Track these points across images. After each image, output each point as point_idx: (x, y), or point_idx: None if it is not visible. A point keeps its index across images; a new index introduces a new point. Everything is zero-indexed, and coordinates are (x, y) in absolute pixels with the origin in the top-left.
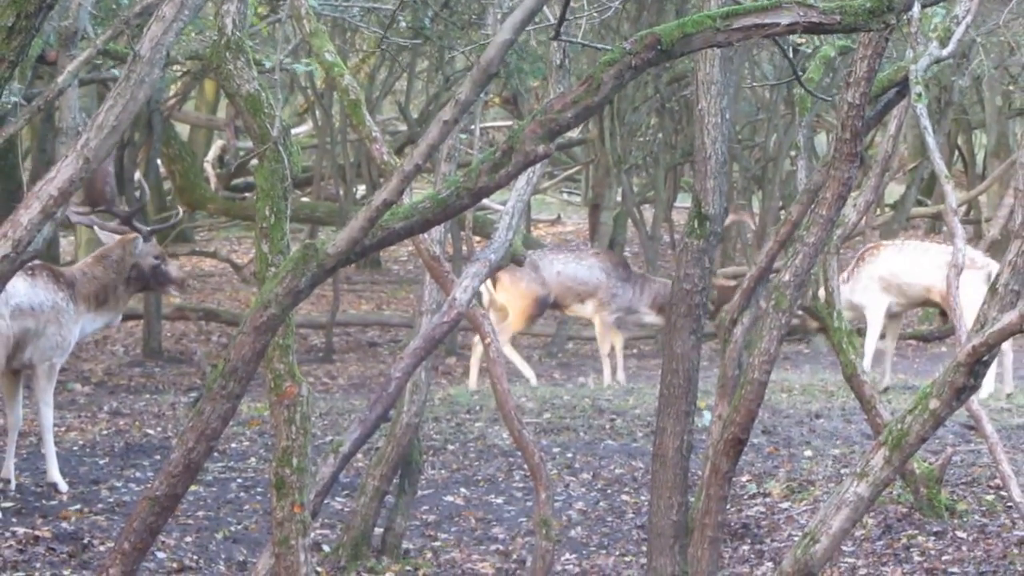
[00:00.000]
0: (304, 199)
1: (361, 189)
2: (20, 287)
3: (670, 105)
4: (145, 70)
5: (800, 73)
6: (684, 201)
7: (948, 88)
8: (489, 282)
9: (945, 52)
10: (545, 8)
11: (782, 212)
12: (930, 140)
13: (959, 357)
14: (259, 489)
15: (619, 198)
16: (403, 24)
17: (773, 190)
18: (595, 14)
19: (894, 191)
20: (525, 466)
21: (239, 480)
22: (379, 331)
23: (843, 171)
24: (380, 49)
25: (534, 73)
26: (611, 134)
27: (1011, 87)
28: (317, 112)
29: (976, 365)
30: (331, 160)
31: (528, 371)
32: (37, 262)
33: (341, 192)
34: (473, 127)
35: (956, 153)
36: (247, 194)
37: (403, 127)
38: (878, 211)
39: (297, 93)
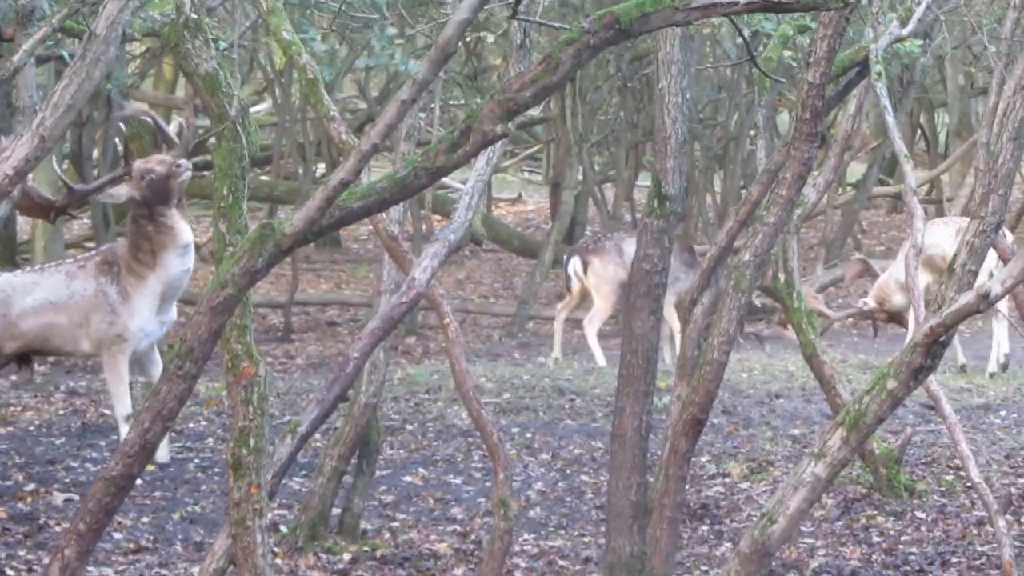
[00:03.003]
0: (263, 178)
1: (321, 168)
2: (44, 282)
3: (632, 84)
4: (101, 48)
5: (756, 53)
6: (645, 180)
7: (910, 66)
8: (579, 266)
9: (905, 31)
10: None
11: (743, 192)
12: (890, 119)
13: (917, 338)
14: (216, 470)
15: (580, 177)
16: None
17: (735, 169)
18: None
19: (856, 170)
20: (484, 446)
21: (196, 461)
22: (338, 310)
23: (803, 151)
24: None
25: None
26: (572, 113)
27: (972, 67)
28: (276, 90)
29: (934, 346)
30: (290, 139)
31: (601, 357)
32: (104, 248)
33: (300, 171)
34: (433, 106)
35: (918, 132)
36: (205, 173)
37: (363, 106)
38: (840, 191)
39: (256, 71)
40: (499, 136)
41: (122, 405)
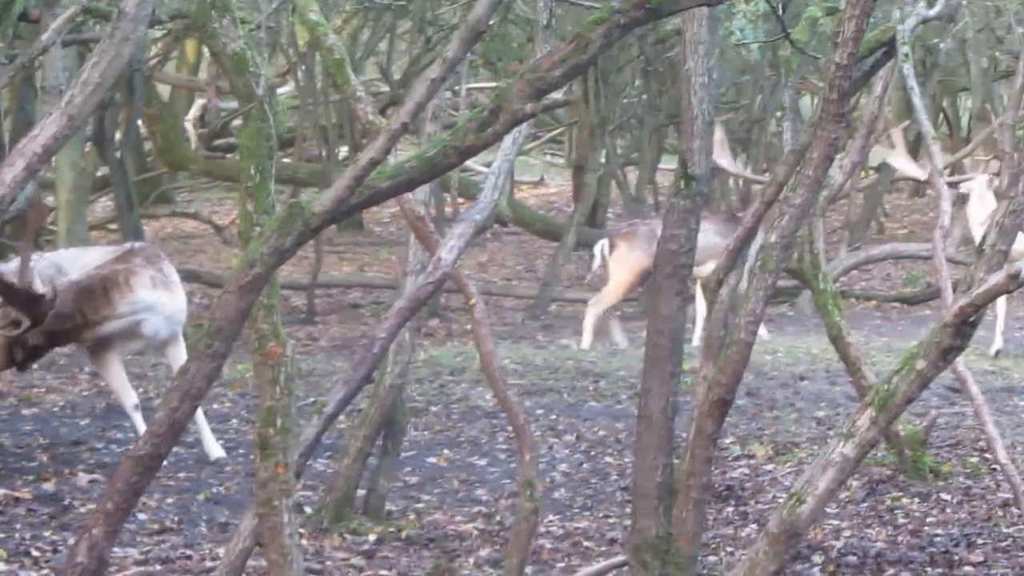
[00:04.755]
0: (286, 160)
1: (343, 150)
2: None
3: (655, 66)
4: (129, 27)
5: (788, 32)
6: (668, 163)
7: (933, 50)
8: (607, 248)
9: (932, 12)
10: None
11: (767, 174)
12: (917, 101)
13: (946, 318)
14: (241, 451)
15: (603, 160)
16: None
17: (758, 152)
18: None
19: (879, 153)
20: (508, 428)
21: (221, 441)
22: (361, 292)
23: (830, 132)
24: (363, 8)
25: (508, 55)
26: (595, 95)
27: (996, 50)
28: (299, 73)
29: (963, 326)
30: (313, 121)
31: (588, 340)
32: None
33: (323, 153)
34: (459, 87)
35: (941, 116)
36: (228, 155)
37: (385, 88)
38: (863, 174)
39: (279, 54)
40: (529, 115)
41: (126, 397)
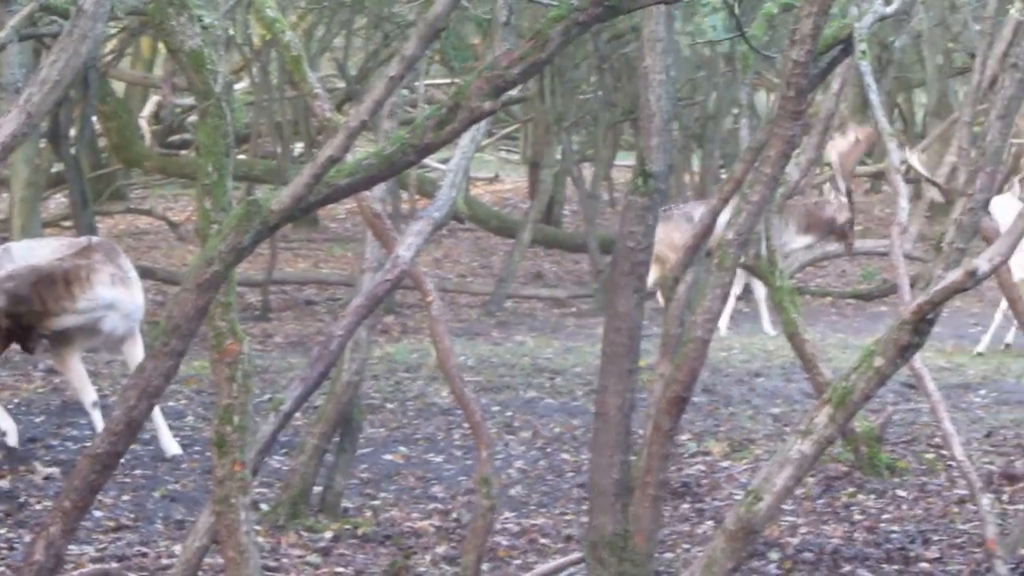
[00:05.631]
0: (241, 157)
1: (298, 147)
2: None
3: (610, 63)
4: (88, 25)
5: (745, 30)
6: (623, 159)
7: (888, 47)
8: None
9: (889, 9)
10: None
11: (722, 170)
12: (874, 98)
13: (904, 315)
14: (197, 448)
15: (559, 156)
16: None
17: (713, 148)
18: None
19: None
20: (464, 425)
21: (177, 438)
22: (316, 289)
23: (787, 129)
24: (319, 5)
25: (460, 57)
26: (551, 92)
27: (952, 45)
28: (254, 69)
29: (921, 323)
30: (268, 118)
31: None
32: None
33: (278, 150)
34: (417, 84)
35: (896, 112)
36: (183, 151)
37: (341, 84)
38: (817, 170)
39: (233, 51)
40: (487, 112)
41: (85, 394)
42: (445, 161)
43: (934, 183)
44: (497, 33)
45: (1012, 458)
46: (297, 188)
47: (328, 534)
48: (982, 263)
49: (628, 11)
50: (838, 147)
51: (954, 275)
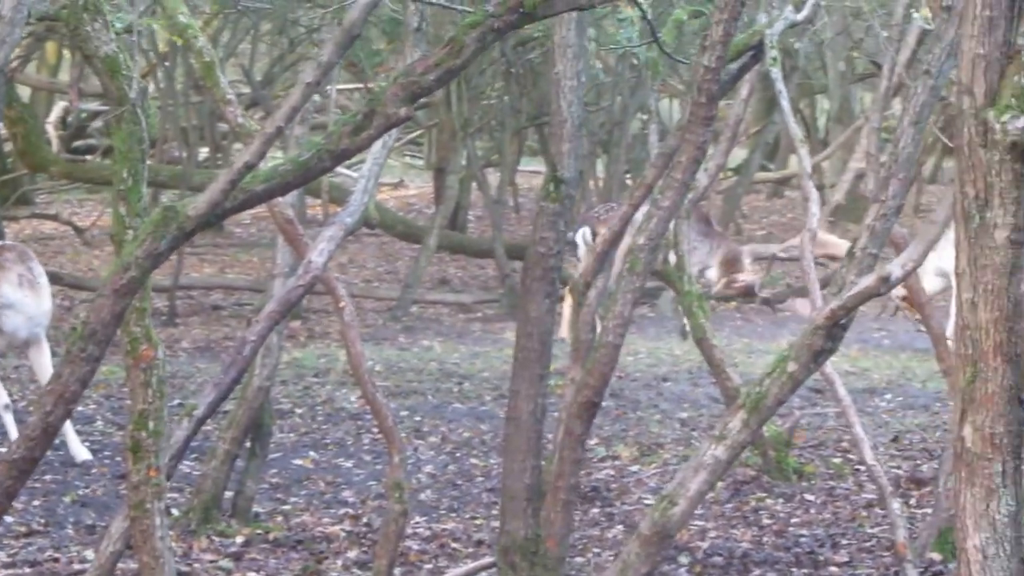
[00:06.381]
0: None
1: (203, 152)
2: None
3: (516, 69)
4: (6, 30)
5: (658, 36)
6: (527, 165)
7: (792, 53)
8: (588, 235)
9: (800, 16)
10: None
11: (627, 177)
12: (785, 104)
13: (817, 320)
14: (107, 453)
15: (464, 162)
16: None
17: (619, 154)
18: None
19: (737, 155)
20: (374, 430)
21: (87, 443)
22: (222, 294)
23: (698, 135)
24: (224, 11)
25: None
26: (458, 98)
27: (854, 52)
28: (159, 74)
29: (834, 328)
30: (174, 123)
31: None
32: None
33: (184, 155)
34: (328, 88)
35: (799, 118)
36: (89, 157)
37: (246, 90)
38: (722, 176)
39: (140, 55)
40: (403, 119)
41: None
42: (351, 167)
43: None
44: (409, 39)
45: (918, 462)
46: (213, 194)
47: (240, 539)
48: (895, 269)
49: (543, 17)
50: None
51: (867, 280)
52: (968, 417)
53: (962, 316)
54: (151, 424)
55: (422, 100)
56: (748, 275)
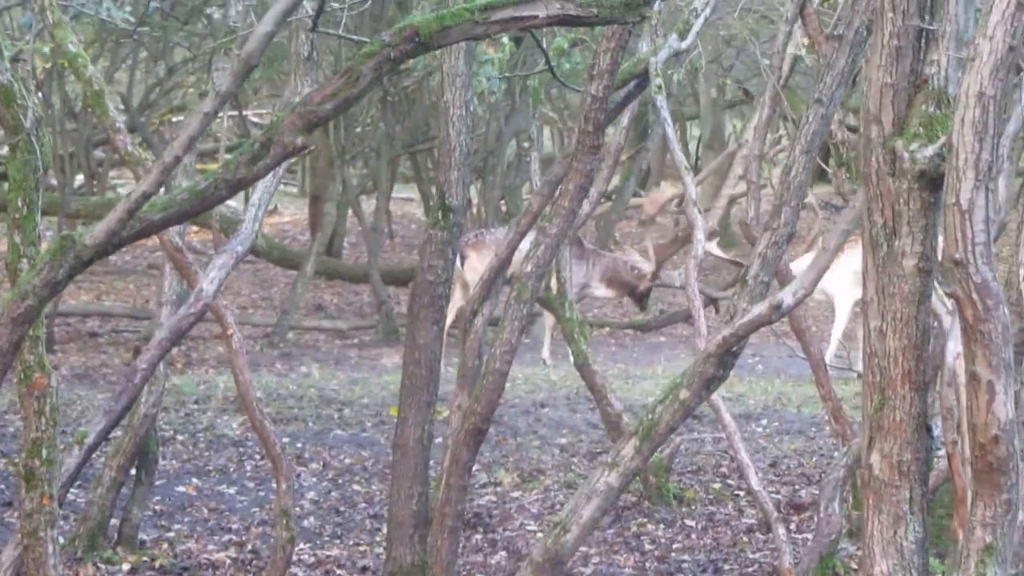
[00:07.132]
0: None
1: (79, 179)
2: None
3: (391, 97)
4: None
5: (550, 66)
6: (400, 192)
7: (666, 80)
8: (457, 260)
9: (684, 45)
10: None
11: (502, 202)
12: (670, 131)
13: (709, 348)
14: None
15: (340, 189)
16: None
17: (494, 180)
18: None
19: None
20: (256, 456)
21: None
22: (99, 321)
23: (586, 163)
24: (101, 39)
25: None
26: (335, 125)
27: (726, 80)
28: (36, 101)
29: (726, 356)
30: (51, 150)
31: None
32: None
33: (60, 183)
34: (221, 114)
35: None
36: None
37: (123, 117)
38: None
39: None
40: (300, 148)
41: None
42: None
43: (735, 263)
44: (300, 68)
45: (796, 487)
46: (111, 223)
47: (126, 566)
48: (787, 296)
49: (439, 47)
50: (655, 199)
51: (759, 308)
52: (876, 445)
53: (870, 344)
54: (44, 452)
55: None
56: (645, 264)
